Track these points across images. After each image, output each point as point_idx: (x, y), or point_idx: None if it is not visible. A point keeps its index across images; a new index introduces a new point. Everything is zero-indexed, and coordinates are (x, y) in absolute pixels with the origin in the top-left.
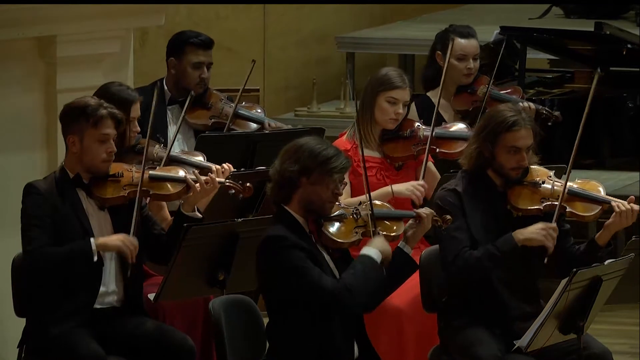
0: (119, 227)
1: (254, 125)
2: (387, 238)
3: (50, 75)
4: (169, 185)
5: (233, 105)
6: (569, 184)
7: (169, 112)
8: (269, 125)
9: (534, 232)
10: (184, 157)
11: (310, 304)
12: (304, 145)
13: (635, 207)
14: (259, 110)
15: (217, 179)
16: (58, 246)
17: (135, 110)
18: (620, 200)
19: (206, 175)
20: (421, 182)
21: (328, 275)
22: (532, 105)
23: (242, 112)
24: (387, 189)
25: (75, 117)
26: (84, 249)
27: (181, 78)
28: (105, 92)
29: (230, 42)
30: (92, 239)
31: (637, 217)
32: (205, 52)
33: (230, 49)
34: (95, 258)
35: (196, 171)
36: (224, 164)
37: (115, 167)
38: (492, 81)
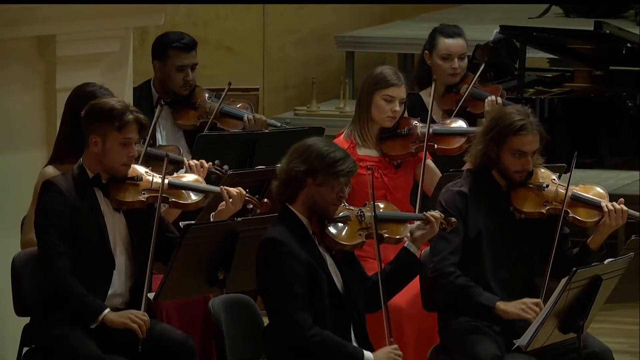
0: (133, 230)
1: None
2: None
3: (50, 75)
4: (187, 194)
5: (220, 103)
6: (573, 189)
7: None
8: (251, 118)
9: (515, 307)
10: (154, 151)
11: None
12: (313, 145)
13: (624, 207)
14: (246, 107)
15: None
16: (76, 256)
17: None
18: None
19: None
20: None
21: (324, 291)
22: (499, 99)
23: (227, 109)
24: None
25: (100, 118)
26: (91, 314)
27: (166, 80)
28: (79, 93)
29: (230, 42)
30: (106, 310)
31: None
32: (189, 55)
33: (230, 48)
34: (94, 326)
35: (224, 188)
36: (202, 161)
37: (133, 170)
38: (475, 80)
